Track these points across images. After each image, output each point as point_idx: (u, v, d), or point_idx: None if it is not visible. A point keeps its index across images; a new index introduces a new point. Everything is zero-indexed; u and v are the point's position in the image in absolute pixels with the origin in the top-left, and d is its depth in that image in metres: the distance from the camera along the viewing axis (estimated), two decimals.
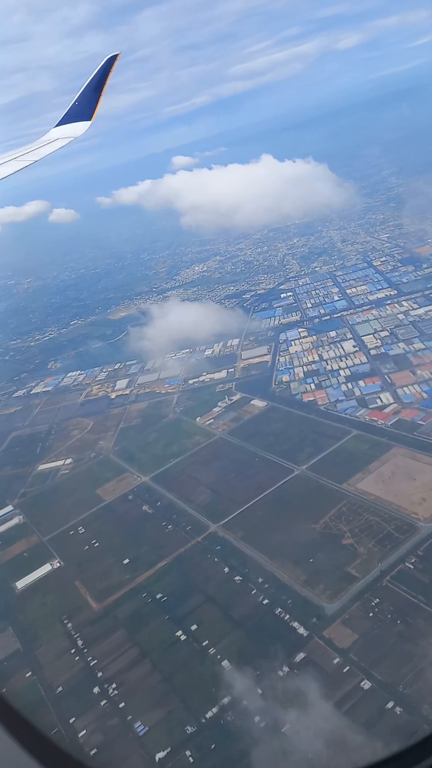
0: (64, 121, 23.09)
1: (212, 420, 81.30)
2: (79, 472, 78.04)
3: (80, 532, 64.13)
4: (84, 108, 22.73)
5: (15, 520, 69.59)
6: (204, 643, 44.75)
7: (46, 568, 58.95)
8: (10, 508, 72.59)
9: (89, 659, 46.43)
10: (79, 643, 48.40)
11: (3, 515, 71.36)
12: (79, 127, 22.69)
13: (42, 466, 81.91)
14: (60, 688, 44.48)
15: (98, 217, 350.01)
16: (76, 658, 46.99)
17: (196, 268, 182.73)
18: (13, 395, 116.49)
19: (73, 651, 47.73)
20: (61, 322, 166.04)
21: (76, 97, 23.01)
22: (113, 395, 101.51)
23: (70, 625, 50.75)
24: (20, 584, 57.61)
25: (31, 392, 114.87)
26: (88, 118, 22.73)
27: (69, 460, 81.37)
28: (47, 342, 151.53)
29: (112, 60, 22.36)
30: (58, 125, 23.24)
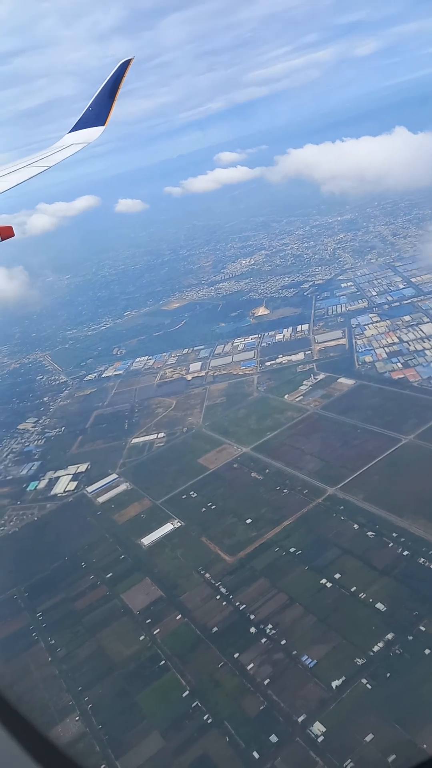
0: (77, 126, 23.09)
1: (301, 397, 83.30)
2: (174, 444, 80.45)
3: (192, 496, 66.43)
4: (97, 114, 22.68)
5: (122, 487, 72.16)
6: (352, 589, 46.66)
7: (168, 527, 61.29)
8: (114, 476, 75.24)
9: (237, 604, 48.51)
10: (222, 590, 50.55)
11: (109, 482, 74.03)
12: (93, 133, 22.59)
13: (135, 440, 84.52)
14: (215, 629, 46.65)
15: (175, 203, 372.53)
16: (223, 603, 49.12)
17: (243, 262, 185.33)
18: (84, 379, 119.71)
19: (218, 597, 49.90)
20: (114, 314, 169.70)
21: (90, 102, 23.03)
22: (189, 377, 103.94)
23: (207, 575, 52.94)
24: (146, 541, 60.10)
25: (102, 376, 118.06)
26: (102, 124, 22.63)
27: (161, 434, 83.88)
28: (105, 331, 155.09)
29: (125, 65, 22.31)
30: (71, 131, 23.29)
